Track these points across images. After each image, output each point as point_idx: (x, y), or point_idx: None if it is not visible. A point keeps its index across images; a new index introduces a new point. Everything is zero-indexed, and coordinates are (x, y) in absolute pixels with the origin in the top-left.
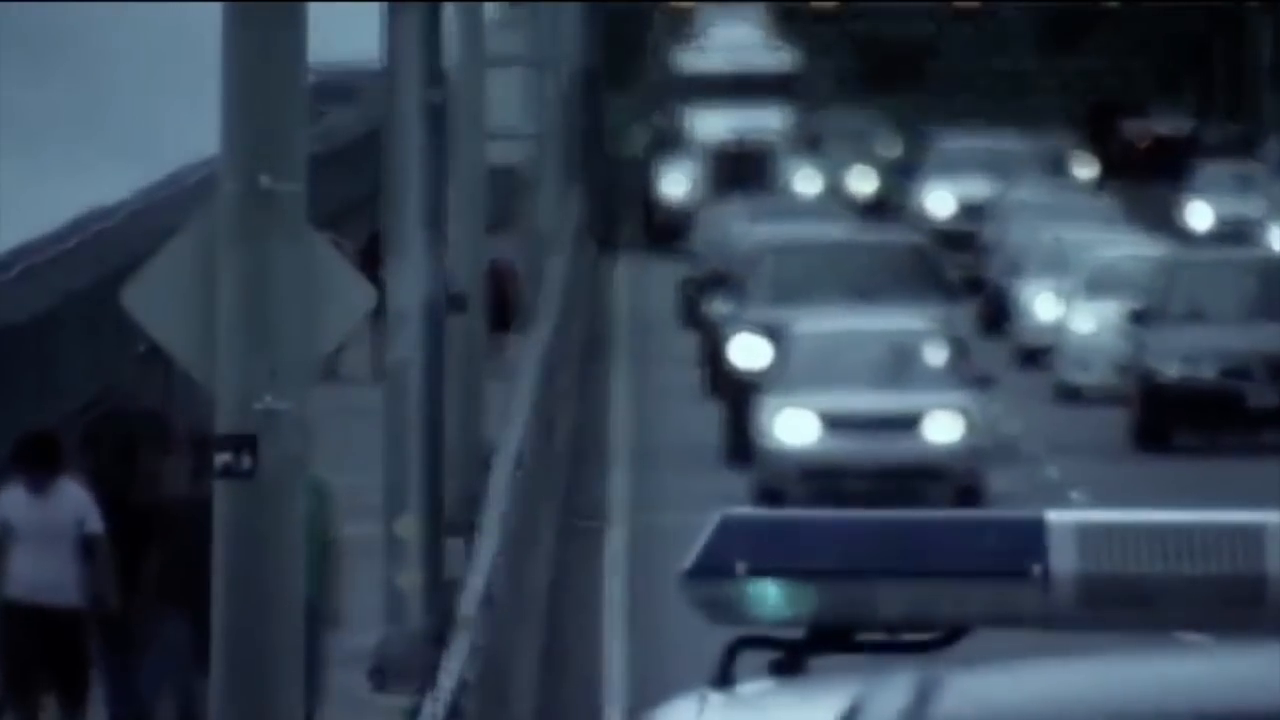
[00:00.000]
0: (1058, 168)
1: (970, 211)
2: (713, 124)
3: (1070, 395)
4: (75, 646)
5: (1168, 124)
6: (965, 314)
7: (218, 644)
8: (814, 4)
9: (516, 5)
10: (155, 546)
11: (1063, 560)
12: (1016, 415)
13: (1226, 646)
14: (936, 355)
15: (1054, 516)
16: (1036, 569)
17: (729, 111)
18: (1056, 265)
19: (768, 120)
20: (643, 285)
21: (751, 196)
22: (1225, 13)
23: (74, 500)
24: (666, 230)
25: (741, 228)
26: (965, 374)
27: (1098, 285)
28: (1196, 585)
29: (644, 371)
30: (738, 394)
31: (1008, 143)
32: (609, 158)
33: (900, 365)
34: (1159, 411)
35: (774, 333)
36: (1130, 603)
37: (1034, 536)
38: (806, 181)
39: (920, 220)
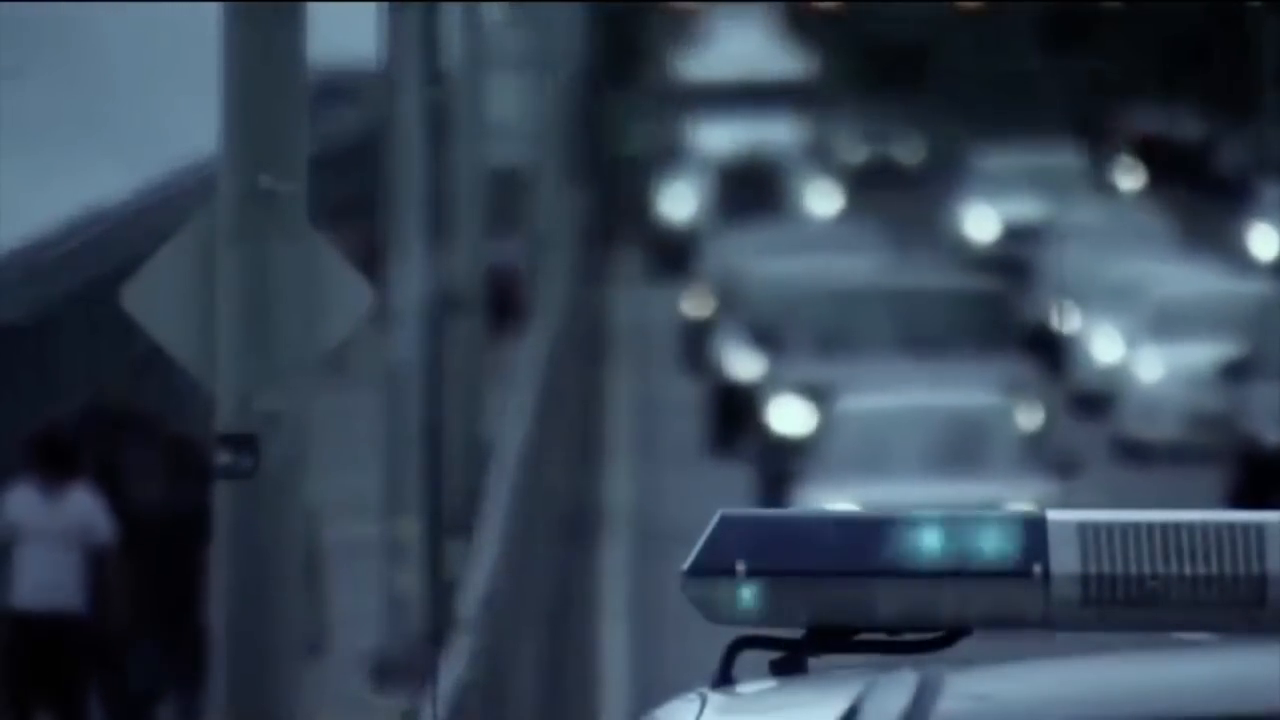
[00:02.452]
0: (1103, 180)
1: (1016, 234)
2: (719, 136)
3: (1133, 451)
4: (75, 653)
5: (1153, 125)
6: (1042, 373)
7: (218, 644)
8: (816, 4)
9: (516, 5)
10: (125, 559)
11: (1063, 560)
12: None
13: (1227, 646)
14: (1011, 435)
15: (1054, 516)
16: (1037, 569)
17: (736, 123)
18: (1119, 300)
19: (778, 132)
20: (643, 317)
21: (765, 222)
22: (1228, 12)
23: (84, 506)
24: (670, 254)
25: (757, 261)
26: (1045, 457)
27: (1165, 325)
28: (1197, 585)
29: (644, 422)
30: (775, 463)
31: (1054, 156)
32: (609, 161)
33: (967, 449)
34: (1262, 479)
35: (816, 393)
36: (1131, 603)
37: (1034, 536)
38: (821, 198)
39: (960, 244)
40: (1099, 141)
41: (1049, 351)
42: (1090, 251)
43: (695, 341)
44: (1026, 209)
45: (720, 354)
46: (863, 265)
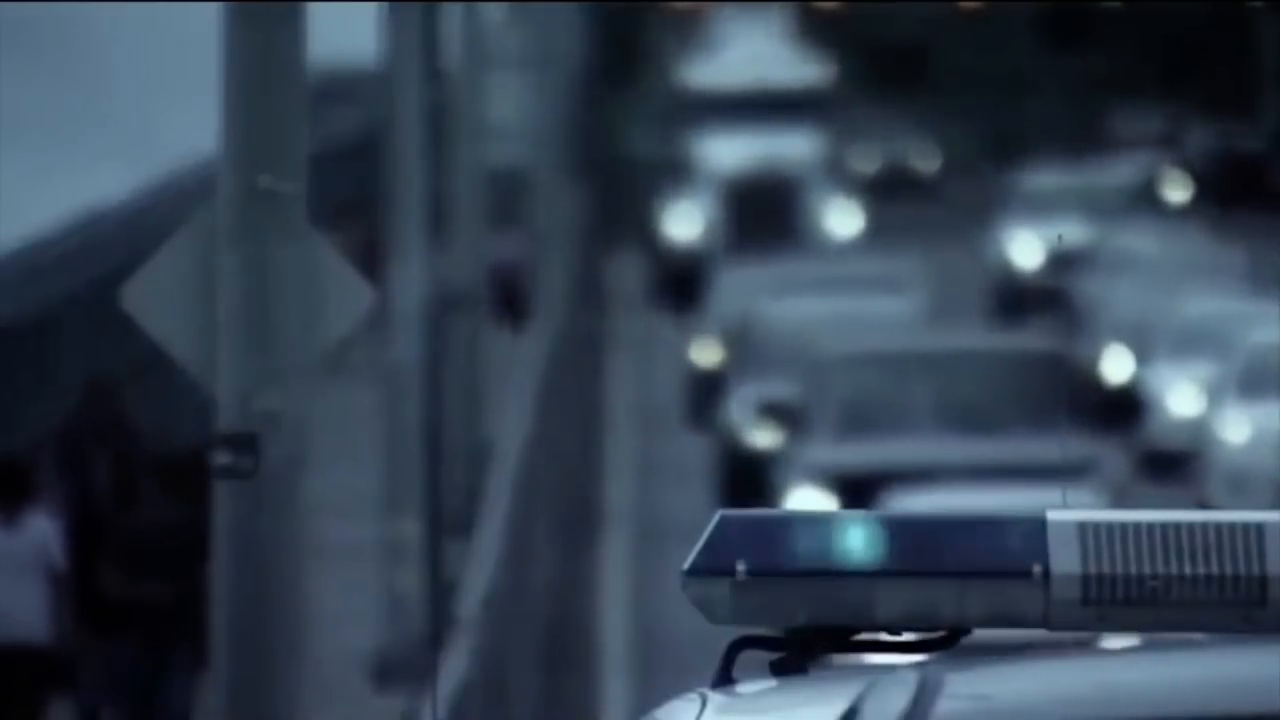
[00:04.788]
0: (1151, 196)
1: (1062, 261)
2: (729, 150)
3: None
4: (39, 683)
5: (1197, 134)
6: (1122, 454)
7: (217, 644)
8: (817, 5)
9: (516, 5)
10: (113, 570)
11: (1063, 560)
12: None
13: (1227, 646)
14: None
15: (1054, 516)
16: (1037, 569)
17: (748, 136)
18: (1193, 343)
19: (795, 146)
20: (645, 357)
21: (780, 251)
22: (1228, 13)
23: (40, 532)
24: (676, 282)
25: (773, 308)
26: None
27: (1254, 378)
28: (1197, 585)
29: (645, 489)
30: None
31: (1103, 174)
32: (608, 169)
33: None
34: None
35: (846, 485)
36: (1131, 603)
37: (1034, 536)
38: (839, 217)
39: (1002, 272)
40: (1151, 153)
41: (1125, 421)
42: (1151, 285)
43: (703, 395)
44: (1073, 232)
45: (732, 414)
46: (897, 311)
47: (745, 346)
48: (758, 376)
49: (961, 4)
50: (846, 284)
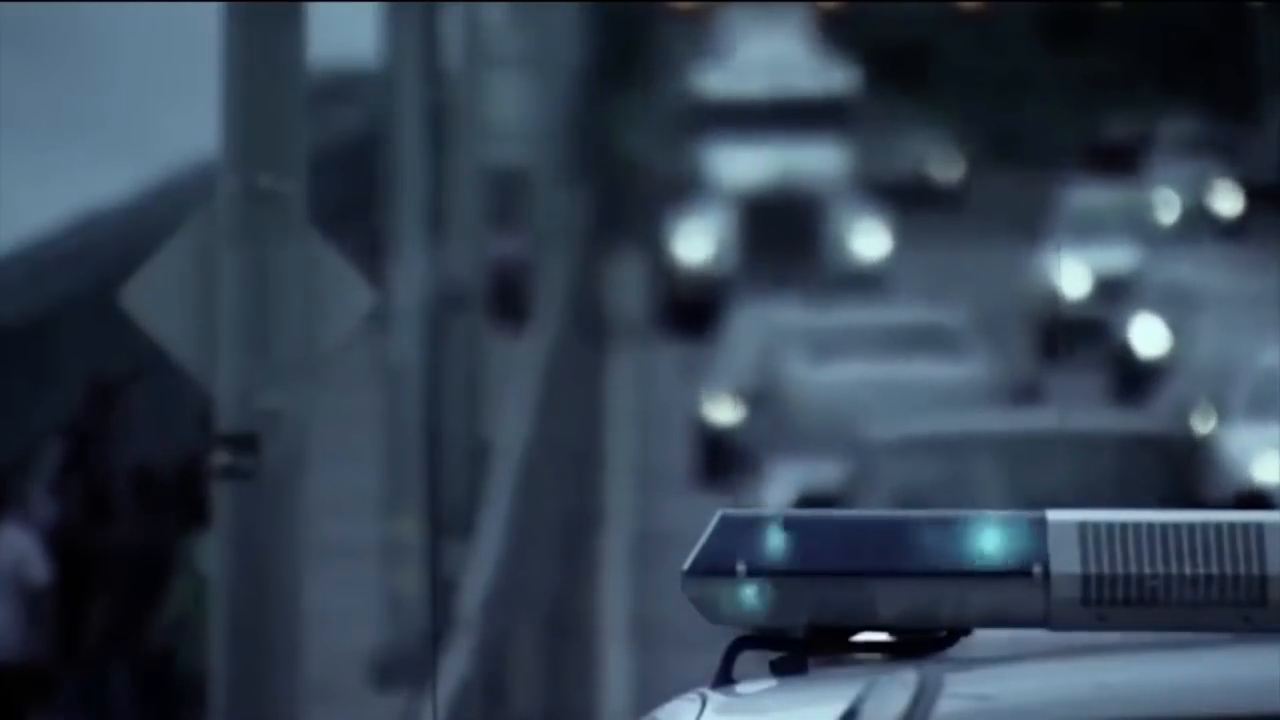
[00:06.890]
0: (1202, 210)
1: (1109, 288)
2: (743, 163)
3: None
4: (14, 701)
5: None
6: None
7: (217, 644)
8: (820, 5)
9: (516, 5)
10: (100, 594)
11: (1063, 560)
12: None
13: (1227, 646)
14: None
15: (1055, 516)
16: (1037, 569)
17: (764, 147)
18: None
19: (816, 159)
20: (650, 399)
21: (807, 288)
22: (1231, 12)
23: (15, 548)
24: (686, 309)
25: (803, 369)
26: None
27: None
28: (1197, 585)
29: (646, 563)
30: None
31: (1154, 192)
32: (609, 175)
33: None
34: None
35: None
36: (1131, 603)
37: (1034, 536)
38: (869, 240)
39: (1044, 300)
40: (1200, 165)
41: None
42: (1221, 323)
43: (716, 455)
44: (1121, 257)
45: (768, 501)
46: (955, 378)
47: (774, 415)
48: (791, 452)
49: (962, 4)
50: (888, 332)
